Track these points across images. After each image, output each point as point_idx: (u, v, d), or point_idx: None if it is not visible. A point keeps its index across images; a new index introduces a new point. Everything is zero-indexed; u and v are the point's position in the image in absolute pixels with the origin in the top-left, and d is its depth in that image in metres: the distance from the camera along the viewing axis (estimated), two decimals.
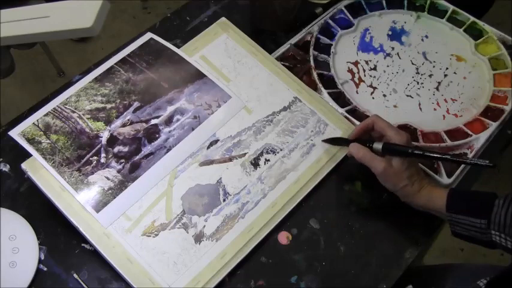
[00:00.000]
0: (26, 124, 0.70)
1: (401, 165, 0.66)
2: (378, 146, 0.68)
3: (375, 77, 0.86)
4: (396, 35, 0.91)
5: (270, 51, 0.85)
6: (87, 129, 0.72)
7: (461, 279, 0.74)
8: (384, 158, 0.67)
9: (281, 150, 0.75)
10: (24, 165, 0.68)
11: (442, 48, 0.90)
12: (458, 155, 0.78)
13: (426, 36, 0.91)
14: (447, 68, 0.88)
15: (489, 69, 0.87)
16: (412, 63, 0.88)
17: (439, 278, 0.78)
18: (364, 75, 0.86)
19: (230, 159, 0.73)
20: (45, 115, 0.72)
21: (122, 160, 0.70)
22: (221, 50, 0.82)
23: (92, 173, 0.68)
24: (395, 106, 0.83)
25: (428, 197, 0.67)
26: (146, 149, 0.71)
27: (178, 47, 0.81)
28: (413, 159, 0.68)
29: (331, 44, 0.88)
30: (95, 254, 0.66)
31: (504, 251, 0.62)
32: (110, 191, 0.68)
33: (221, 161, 0.73)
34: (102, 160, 0.70)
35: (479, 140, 0.78)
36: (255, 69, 0.81)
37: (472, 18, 0.92)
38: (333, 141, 0.76)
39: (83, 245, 0.68)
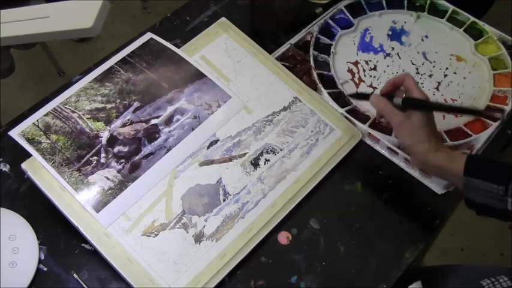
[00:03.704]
0: (26, 124, 0.70)
1: (421, 120, 0.65)
2: (398, 100, 0.68)
3: (374, 77, 0.86)
4: (396, 35, 0.91)
5: (270, 51, 0.85)
6: (87, 129, 0.72)
7: (462, 281, 0.74)
8: (404, 113, 0.67)
9: (281, 150, 0.75)
10: (24, 165, 0.68)
11: (442, 48, 0.90)
12: (477, 109, 0.76)
13: (426, 36, 0.91)
14: (447, 68, 0.88)
15: (489, 69, 0.87)
16: (412, 63, 0.88)
17: (440, 279, 0.78)
18: (364, 75, 0.86)
19: (230, 159, 0.73)
20: (45, 115, 0.72)
21: (122, 160, 0.70)
22: (221, 50, 0.82)
23: (92, 173, 0.68)
24: None
25: (445, 158, 0.65)
26: (146, 149, 0.71)
27: (178, 47, 0.81)
28: (432, 119, 0.67)
29: (331, 44, 0.88)
30: (95, 254, 0.66)
31: None
32: (110, 191, 0.68)
33: (221, 161, 0.73)
34: (102, 160, 0.70)
35: (479, 140, 0.78)
36: (255, 69, 0.81)
37: (472, 18, 0.92)
38: (358, 95, 0.76)
39: (83, 245, 0.68)
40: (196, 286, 0.64)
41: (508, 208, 0.60)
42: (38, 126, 0.71)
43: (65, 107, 0.73)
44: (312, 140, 0.76)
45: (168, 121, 0.74)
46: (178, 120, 0.74)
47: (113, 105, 0.74)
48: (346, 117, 0.79)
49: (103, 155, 0.70)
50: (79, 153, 0.69)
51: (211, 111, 0.76)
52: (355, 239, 0.71)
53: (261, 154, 0.74)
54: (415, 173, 0.77)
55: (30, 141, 0.69)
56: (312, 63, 0.84)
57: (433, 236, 0.73)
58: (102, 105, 0.74)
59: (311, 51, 0.86)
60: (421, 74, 0.87)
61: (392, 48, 0.90)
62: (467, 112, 0.73)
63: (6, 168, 0.74)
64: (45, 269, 0.66)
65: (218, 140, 0.74)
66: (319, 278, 0.68)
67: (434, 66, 0.88)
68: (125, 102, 0.75)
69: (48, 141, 0.70)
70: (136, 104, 0.75)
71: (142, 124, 0.73)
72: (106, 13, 0.59)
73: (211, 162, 0.73)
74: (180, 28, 0.90)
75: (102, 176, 0.68)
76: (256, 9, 0.90)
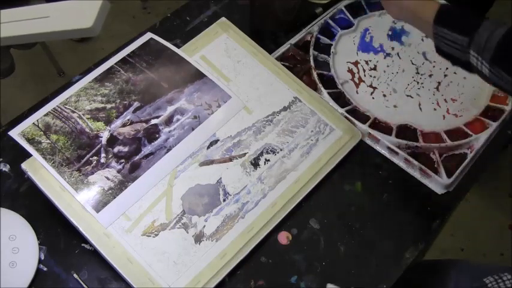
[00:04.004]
0: (26, 124, 0.70)
1: None
2: None
3: (375, 77, 0.86)
4: (396, 35, 0.91)
5: (270, 51, 0.85)
6: (87, 129, 0.72)
7: (463, 276, 0.74)
8: None
9: (281, 150, 0.75)
10: (24, 165, 0.68)
11: None
12: None
13: (426, 36, 0.91)
14: (447, 68, 0.88)
15: None
16: (412, 63, 0.88)
17: (442, 275, 0.77)
18: (364, 75, 0.86)
19: (230, 159, 0.73)
20: (45, 115, 0.72)
21: (122, 160, 0.70)
22: (221, 50, 0.82)
23: (92, 173, 0.68)
24: (395, 106, 0.83)
25: (418, 3, 0.65)
26: (146, 149, 0.71)
27: (178, 47, 0.81)
28: None
29: (331, 44, 0.88)
30: (95, 254, 0.66)
31: (479, 76, 0.62)
32: (110, 191, 0.68)
33: (221, 161, 0.73)
34: (102, 160, 0.70)
35: (479, 140, 0.78)
36: (255, 69, 0.81)
37: None
38: None
39: (83, 245, 0.68)
40: (196, 286, 0.64)
41: (469, 61, 0.61)
42: (38, 126, 0.71)
43: (65, 107, 0.73)
44: (312, 140, 0.76)
45: (168, 121, 0.74)
46: (178, 120, 0.74)
47: (113, 105, 0.74)
48: (346, 117, 0.79)
49: (103, 155, 0.70)
50: (79, 153, 0.69)
51: (211, 111, 0.76)
52: (355, 239, 0.71)
53: (261, 154, 0.74)
54: (415, 173, 0.77)
55: (30, 141, 0.69)
56: (312, 63, 0.84)
57: (433, 236, 0.73)
58: (102, 105, 0.74)
59: (311, 51, 0.86)
60: (421, 74, 0.87)
61: (393, 48, 0.90)
62: None
63: (6, 168, 0.74)
64: (45, 269, 0.66)
65: (218, 140, 0.74)
66: (319, 278, 0.68)
67: (434, 66, 0.88)
68: (125, 102, 0.75)
69: (48, 141, 0.70)
70: (136, 104, 0.75)
71: (142, 124, 0.73)
72: (106, 13, 0.59)
73: (211, 162, 0.73)
74: (180, 28, 0.90)
75: (102, 176, 0.68)
76: (256, 9, 0.90)
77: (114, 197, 0.67)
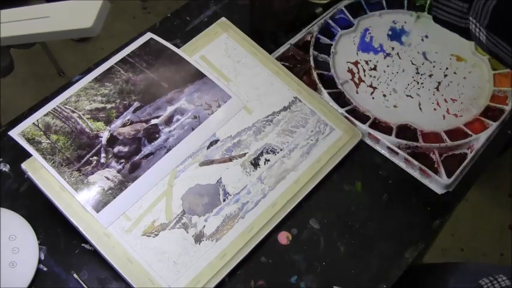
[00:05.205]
0: (26, 124, 0.70)
1: None
2: None
3: (375, 77, 0.86)
4: (396, 35, 0.91)
5: (270, 51, 0.84)
6: (87, 129, 0.72)
7: (462, 279, 0.74)
8: None
9: (281, 150, 0.75)
10: (24, 165, 0.68)
11: (442, 48, 0.90)
12: None
13: (426, 36, 0.91)
14: (447, 68, 0.88)
15: (489, 69, 0.87)
16: (412, 63, 0.88)
17: (439, 277, 0.78)
18: (364, 75, 0.86)
19: (230, 159, 0.73)
20: (45, 115, 0.72)
21: (122, 160, 0.70)
22: (221, 50, 0.82)
23: (92, 173, 0.68)
24: (395, 106, 0.83)
25: None
26: (146, 149, 0.71)
27: (178, 47, 0.81)
28: None
29: (331, 44, 0.88)
30: (95, 254, 0.66)
31: (477, 44, 0.62)
32: (110, 191, 0.68)
33: (221, 161, 0.73)
34: (102, 160, 0.70)
35: (479, 140, 0.78)
36: (255, 69, 0.81)
37: None
38: None
39: (83, 245, 0.68)
40: (196, 286, 0.64)
41: (469, 27, 0.61)
42: (38, 126, 0.71)
43: (65, 107, 0.73)
44: (312, 140, 0.76)
45: (168, 121, 0.74)
46: (178, 120, 0.74)
47: (113, 105, 0.74)
48: (346, 117, 0.79)
49: (103, 155, 0.70)
50: (79, 153, 0.69)
51: (211, 111, 0.76)
52: (355, 239, 0.71)
53: (261, 154, 0.74)
54: (415, 173, 0.77)
55: (30, 141, 0.69)
56: (312, 63, 0.84)
57: (433, 236, 0.73)
58: (102, 105, 0.74)
59: (311, 51, 0.86)
60: (421, 74, 0.87)
61: (393, 48, 0.90)
62: None
63: (6, 168, 0.74)
64: (45, 269, 0.66)
65: (218, 140, 0.74)
66: (319, 278, 0.68)
67: (434, 66, 0.88)
68: (125, 102, 0.75)
69: (48, 141, 0.70)
70: (136, 104, 0.75)
71: (142, 124, 0.73)
72: (106, 13, 0.59)
73: (211, 162, 0.73)
74: (180, 28, 0.90)
75: (102, 176, 0.68)
76: (256, 9, 0.90)
77: (114, 197, 0.67)
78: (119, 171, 0.69)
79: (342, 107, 0.80)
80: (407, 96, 0.84)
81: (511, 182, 1.68)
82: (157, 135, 0.73)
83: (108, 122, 0.73)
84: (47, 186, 0.67)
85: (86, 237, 0.65)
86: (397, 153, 0.77)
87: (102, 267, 0.66)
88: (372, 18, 0.93)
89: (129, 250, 0.65)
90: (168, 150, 0.72)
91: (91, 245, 0.66)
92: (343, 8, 0.92)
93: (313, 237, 0.70)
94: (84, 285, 0.65)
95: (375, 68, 0.87)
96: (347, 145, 0.77)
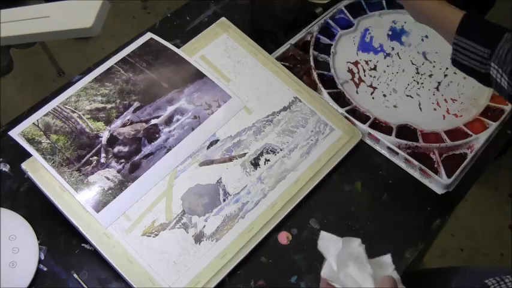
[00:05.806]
0: (26, 124, 0.70)
1: None
2: None
3: (374, 77, 0.86)
4: (396, 35, 0.91)
5: (270, 51, 0.85)
6: (87, 129, 0.72)
7: (466, 280, 0.74)
8: None
9: (281, 150, 0.75)
10: (24, 165, 0.68)
11: (442, 48, 0.90)
12: None
13: (426, 36, 0.91)
14: (447, 68, 0.88)
15: None
16: (412, 63, 0.88)
17: (443, 279, 0.77)
18: (364, 75, 0.86)
19: (230, 159, 0.73)
20: (45, 115, 0.72)
21: (122, 160, 0.70)
22: (221, 50, 0.82)
23: (92, 173, 0.68)
24: (395, 106, 0.83)
25: (442, 5, 0.64)
26: (146, 149, 0.71)
27: (178, 47, 0.81)
28: None
29: (331, 44, 0.88)
30: (95, 254, 0.66)
31: (496, 90, 0.62)
32: (110, 191, 0.68)
33: (221, 161, 0.73)
34: (102, 160, 0.70)
35: (479, 140, 0.78)
36: (255, 69, 0.81)
37: None
38: None
39: (83, 245, 0.68)
40: (196, 286, 0.64)
41: (490, 73, 0.60)
42: (38, 126, 0.71)
43: (65, 107, 0.73)
44: (312, 140, 0.76)
45: (168, 121, 0.74)
46: (178, 120, 0.74)
47: (113, 105, 0.74)
48: (346, 117, 0.79)
49: (103, 155, 0.70)
50: (79, 153, 0.69)
51: (211, 111, 0.76)
52: None
53: (261, 154, 0.74)
54: (415, 173, 0.77)
55: (30, 141, 0.69)
56: (312, 63, 0.84)
57: (433, 236, 0.73)
58: (102, 105, 0.74)
59: (311, 51, 0.86)
60: (421, 74, 0.87)
61: (393, 48, 0.90)
62: None
63: (6, 168, 0.74)
64: (45, 269, 0.66)
65: (218, 140, 0.74)
66: (319, 278, 0.67)
67: (434, 66, 0.88)
68: (125, 102, 0.75)
69: (48, 141, 0.70)
70: (136, 104, 0.75)
71: (142, 124, 0.73)
72: (106, 13, 0.59)
73: (211, 162, 0.73)
74: (180, 28, 0.90)
75: (102, 176, 0.68)
76: (256, 9, 0.90)
77: (114, 197, 0.67)
78: (119, 171, 0.69)
79: (342, 107, 0.80)
80: (407, 96, 0.84)
81: (511, 182, 1.68)
82: (157, 135, 0.73)
83: (108, 122, 0.73)
84: (47, 186, 0.67)
85: (86, 237, 0.65)
86: (397, 153, 0.77)
87: (102, 267, 0.66)
88: (372, 18, 0.93)
89: (129, 250, 0.65)
90: (168, 150, 0.72)
91: (91, 245, 0.66)
92: (343, 8, 0.92)
93: (313, 237, 0.70)
94: (84, 285, 0.65)
95: (375, 68, 0.87)
96: (347, 145, 0.77)
